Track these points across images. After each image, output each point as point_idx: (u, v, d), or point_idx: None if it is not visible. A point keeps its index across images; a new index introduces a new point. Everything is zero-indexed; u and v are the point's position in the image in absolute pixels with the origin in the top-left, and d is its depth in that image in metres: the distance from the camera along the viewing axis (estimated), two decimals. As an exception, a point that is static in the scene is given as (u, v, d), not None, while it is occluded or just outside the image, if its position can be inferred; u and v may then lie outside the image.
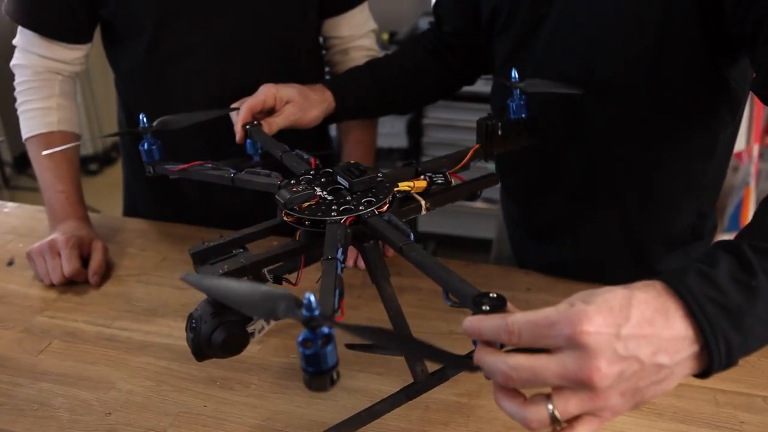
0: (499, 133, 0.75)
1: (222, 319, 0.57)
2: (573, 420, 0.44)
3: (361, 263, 0.92)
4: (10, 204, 1.18)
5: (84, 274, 0.91)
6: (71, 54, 0.99)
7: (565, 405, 0.43)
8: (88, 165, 3.66)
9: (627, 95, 0.80)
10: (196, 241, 1.04)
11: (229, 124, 0.89)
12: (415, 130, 2.58)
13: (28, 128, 0.99)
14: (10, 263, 0.98)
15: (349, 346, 0.44)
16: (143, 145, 0.82)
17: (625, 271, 0.94)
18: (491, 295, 0.47)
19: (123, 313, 0.87)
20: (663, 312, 0.44)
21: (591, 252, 0.95)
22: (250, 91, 1.02)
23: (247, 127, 0.85)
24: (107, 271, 0.95)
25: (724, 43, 0.72)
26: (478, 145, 0.76)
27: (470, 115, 2.47)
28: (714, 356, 0.43)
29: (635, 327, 0.43)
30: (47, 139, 0.98)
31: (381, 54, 1.17)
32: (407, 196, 0.66)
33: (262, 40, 1.01)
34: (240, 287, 0.44)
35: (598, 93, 0.80)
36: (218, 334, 0.57)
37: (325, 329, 0.42)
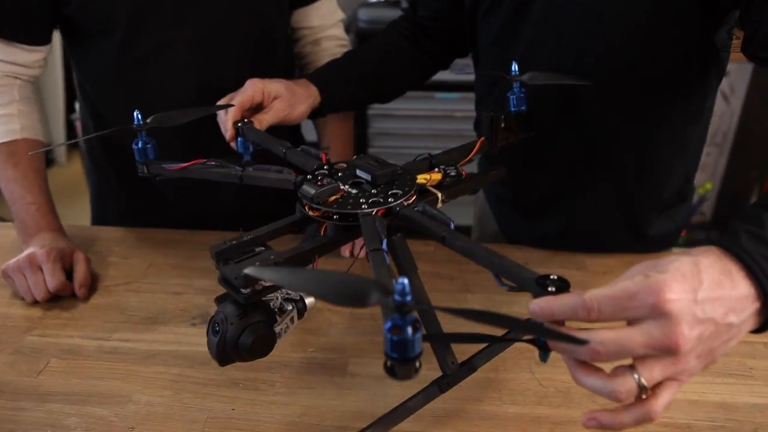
0: (502, 125, 0.76)
1: (249, 320, 0.56)
2: (656, 386, 0.45)
3: (359, 252, 0.91)
4: (-36, 222, 1.09)
5: (69, 288, 0.86)
6: (30, 56, 0.93)
7: (651, 372, 0.44)
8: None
9: (621, 69, 0.82)
10: (180, 245, 1.01)
11: (211, 122, 0.85)
12: (360, 121, 2.57)
13: None
14: (-19, 284, 0.91)
15: (427, 338, 0.43)
16: (137, 144, 0.77)
17: (617, 238, 0.98)
18: (552, 276, 0.47)
19: (120, 324, 0.82)
20: (728, 274, 0.46)
21: (585, 223, 0.97)
22: (229, 85, 0.98)
23: (239, 125, 0.82)
24: (93, 283, 0.89)
25: (713, 5, 0.74)
26: (483, 138, 0.76)
27: (412, 104, 2.49)
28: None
29: (709, 290, 0.44)
30: (10, 148, 0.91)
31: (350, 43, 1.16)
32: (423, 188, 0.66)
33: (238, 33, 0.97)
34: (325, 276, 0.42)
35: (591, 70, 0.82)
36: (246, 336, 0.55)
37: (413, 316, 0.41)
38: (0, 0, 0.86)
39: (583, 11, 0.80)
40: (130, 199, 1.09)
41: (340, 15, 1.13)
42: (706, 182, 2.47)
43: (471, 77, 1.08)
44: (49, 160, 3.32)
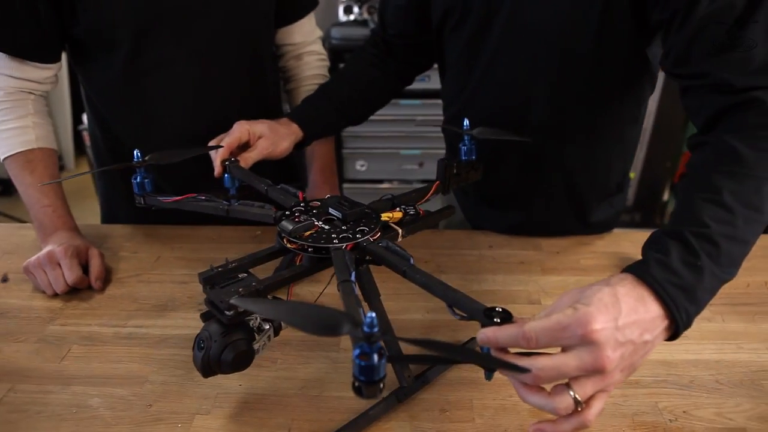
0: (455, 171, 0.77)
1: (231, 338, 0.55)
2: (589, 399, 0.48)
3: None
4: (-15, 224, 1.04)
5: (86, 281, 0.82)
6: (42, 74, 0.88)
7: (584, 389, 0.47)
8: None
9: (571, 79, 0.81)
10: (184, 239, 0.98)
11: (202, 160, 0.82)
12: (335, 128, 2.54)
13: (6, 147, 0.86)
14: (5, 280, 0.86)
15: (391, 360, 0.43)
16: (136, 178, 0.76)
17: (567, 225, 0.98)
18: (497, 309, 0.49)
19: (134, 312, 0.79)
20: (641, 299, 0.50)
21: (540, 214, 0.97)
22: (225, 97, 0.95)
23: (226, 163, 0.80)
24: (107, 276, 0.85)
25: (645, 27, 0.74)
26: (438, 182, 0.77)
27: (380, 110, 2.47)
28: (679, 326, 0.51)
29: (626, 316, 0.48)
30: (27, 156, 0.87)
31: (327, 58, 1.13)
32: (386, 225, 0.67)
33: (233, 49, 0.93)
34: (300, 308, 0.42)
35: (545, 80, 0.82)
36: (228, 352, 0.55)
37: (379, 344, 0.41)
38: (14, 22, 0.81)
39: (539, 29, 0.79)
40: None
41: (318, 32, 1.10)
42: (630, 172, 2.51)
43: (431, 85, 1.09)
44: (59, 167, 3.21)
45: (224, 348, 0.55)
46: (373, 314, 0.40)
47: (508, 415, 0.62)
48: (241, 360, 0.57)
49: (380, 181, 2.65)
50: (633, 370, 0.50)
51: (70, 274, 0.80)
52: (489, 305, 0.50)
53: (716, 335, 0.74)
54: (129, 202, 1.05)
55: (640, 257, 0.56)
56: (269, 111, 1.04)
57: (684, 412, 0.62)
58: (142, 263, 0.90)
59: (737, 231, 0.54)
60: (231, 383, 0.66)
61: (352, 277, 0.55)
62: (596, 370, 0.46)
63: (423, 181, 2.60)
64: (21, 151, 0.86)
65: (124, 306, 0.80)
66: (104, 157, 1.03)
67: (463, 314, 0.52)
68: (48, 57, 0.87)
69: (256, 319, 0.62)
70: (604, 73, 0.80)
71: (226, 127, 0.96)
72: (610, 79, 0.81)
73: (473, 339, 0.47)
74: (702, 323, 0.76)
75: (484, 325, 0.49)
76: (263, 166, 0.83)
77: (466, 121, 0.79)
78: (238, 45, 0.94)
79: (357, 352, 0.42)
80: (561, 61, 0.80)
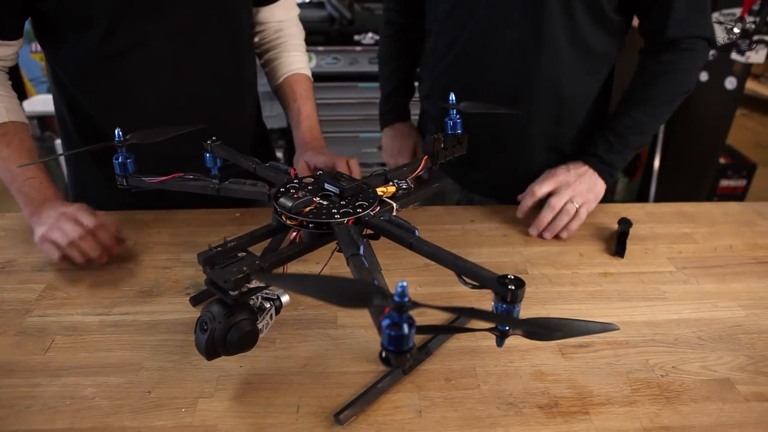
0: (442, 146, 0.78)
1: (235, 318, 0.54)
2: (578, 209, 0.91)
3: None
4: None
5: (112, 227, 0.81)
6: (4, 51, 0.81)
7: (561, 197, 0.91)
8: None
9: (556, 39, 0.91)
10: (161, 224, 0.94)
11: (185, 140, 0.78)
12: (293, 112, 2.49)
13: None
14: (-31, 273, 0.80)
15: (421, 330, 0.44)
16: (117, 158, 0.72)
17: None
18: (510, 276, 0.50)
19: (117, 299, 0.75)
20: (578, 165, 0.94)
21: (521, 161, 1.06)
22: (204, 77, 0.92)
23: (208, 142, 0.76)
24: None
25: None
26: (426, 156, 0.77)
27: (338, 93, 2.45)
28: (608, 182, 0.94)
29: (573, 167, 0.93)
30: (0, 130, 0.80)
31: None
32: (381, 199, 0.67)
33: (212, 27, 0.89)
34: (330, 282, 0.42)
35: (534, 37, 0.92)
36: (233, 333, 0.54)
37: (408, 314, 0.41)
38: None
39: None
40: (111, 183, 1.00)
41: (297, 10, 1.07)
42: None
43: None
44: None
45: (229, 329, 0.54)
46: (405, 283, 0.40)
47: (511, 380, 0.63)
48: (247, 340, 0.56)
49: (341, 165, 2.63)
50: (592, 191, 0.92)
51: (92, 219, 0.77)
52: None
53: (693, 296, 0.78)
54: (102, 186, 1.01)
55: (615, 227, 0.94)
56: (246, 91, 1.02)
57: (673, 367, 0.66)
58: (120, 250, 0.86)
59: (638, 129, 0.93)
60: (231, 365, 0.65)
61: (361, 251, 0.55)
62: (562, 185, 0.92)
63: (383, 165, 2.61)
64: None
65: (106, 294, 0.76)
66: (73, 139, 0.96)
67: (475, 283, 0.53)
68: (8, 34, 0.81)
69: (257, 298, 0.61)
70: (584, 35, 0.92)
71: (204, 107, 0.94)
72: (589, 40, 0.93)
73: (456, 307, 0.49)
74: (679, 285, 0.80)
75: (497, 293, 0.50)
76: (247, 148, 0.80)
77: (452, 96, 0.79)
78: (218, 23, 0.90)
79: (387, 322, 0.41)
80: (547, 20, 0.90)
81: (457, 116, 0.80)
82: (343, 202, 0.63)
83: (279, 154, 2.55)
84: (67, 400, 0.60)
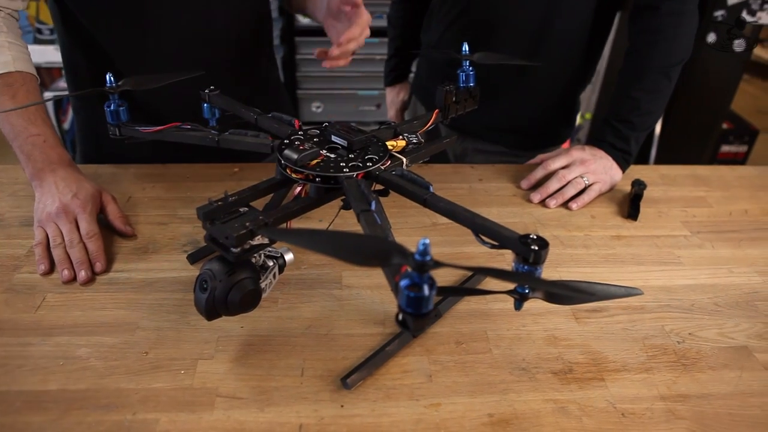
0: (454, 99, 0.73)
1: (237, 277, 0.51)
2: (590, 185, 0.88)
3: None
4: None
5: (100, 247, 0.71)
6: None
7: (572, 171, 0.88)
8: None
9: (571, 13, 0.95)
10: (156, 178, 0.90)
11: (180, 88, 0.73)
12: (289, 65, 2.41)
13: None
14: (-46, 226, 0.76)
15: (441, 291, 0.40)
16: (109, 106, 0.66)
17: (547, 120, 1.13)
18: (532, 236, 0.46)
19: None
20: (593, 147, 0.92)
21: (522, 108, 1.09)
22: (222, 25, 0.87)
23: (206, 92, 0.71)
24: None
25: None
26: (438, 110, 0.73)
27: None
28: (623, 168, 0.91)
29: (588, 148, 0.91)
30: (6, 80, 0.73)
31: None
32: (390, 154, 0.63)
33: None
34: (347, 239, 0.38)
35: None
36: (235, 292, 0.51)
37: (429, 274, 0.38)
38: None
39: None
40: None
41: None
42: (587, 113, 2.54)
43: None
44: None
45: (231, 288, 0.51)
46: (428, 241, 0.36)
47: (523, 344, 0.61)
48: (249, 300, 0.52)
49: (337, 124, 2.57)
50: (607, 172, 0.89)
51: (91, 227, 0.71)
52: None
53: (708, 261, 0.75)
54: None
55: (627, 189, 0.92)
56: (267, 41, 0.97)
57: (689, 334, 0.63)
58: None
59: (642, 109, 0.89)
60: (231, 326, 0.61)
61: (373, 207, 0.51)
62: (576, 160, 0.89)
63: (381, 123, 2.56)
64: None
65: (99, 250, 0.73)
66: (86, 86, 0.90)
67: (494, 243, 0.49)
68: None
69: (260, 256, 0.57)
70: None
71: (226, 55, 0.90)
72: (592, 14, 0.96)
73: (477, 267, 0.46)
74: (694, 250, 0.77)
75: (518, 254, 0.47)
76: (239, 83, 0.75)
77: (465, 46, 0.74)
78: None
79: (406, 282, 0.38)
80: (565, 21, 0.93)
81: (470, 68, 0.75)
82: (351, 156, 0.59)
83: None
84: (60, 360, 0.57)
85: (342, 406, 0.53)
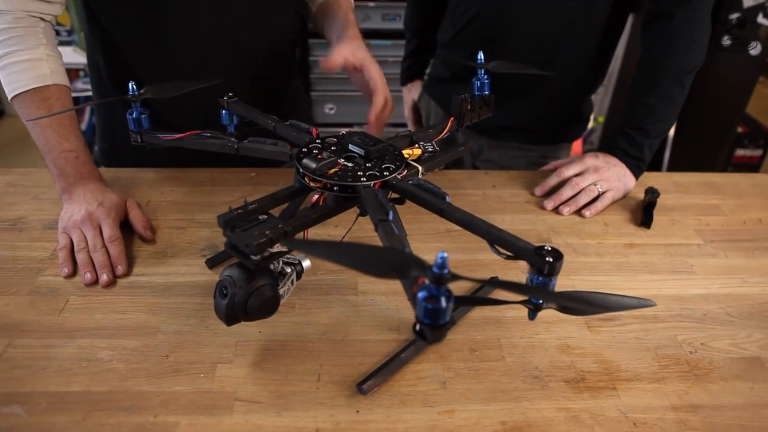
0: (469, 107, 0.74)
1: (256, 283, 0.52)
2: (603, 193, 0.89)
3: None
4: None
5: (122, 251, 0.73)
6: None
7: (585, 179, 0.88)
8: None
9: (586, 21, 0.97)
10: (174, 182, 0.91)
11: (199, 96, 0.73)
12: (302, 67, 2.43)
13: (17, 83, 0.74)
14: (-21, 228, 0.78)
15: (459, 302, 0.41)
16: (131, 114, 0.68)
17: (556, 120, 1.15)
18: (547, 248, 0.47)
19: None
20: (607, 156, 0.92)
21: (535, 109, 1.10)
22: (246, 25, 0.88)
23: (225, 98, 0.73)
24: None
25: None
26: (453, 118, 0.74)
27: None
28: (637, 176, 0.91)
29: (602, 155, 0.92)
30: (42, 94, 0.75)
31: None
32: (406, 162, 0.63)
33: None
34: (366, 251, 0.39)
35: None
36: (254, 299, 0.52)
37: (447, 287, 0.39)
38: None
39: None
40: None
41: None
42: (599, 116, 2.54)
43: (401, 25, 1.26)
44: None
45: (250, 294, 0.52)
46: (446, 254, 0.37)
47: (537, 352, 0.61)
48: (268, 306, 0.54)
49: (350, 125, 2.58)
50: (621, 180, 0.89)
51: (113, 231, 0.73)
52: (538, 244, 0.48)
53: (721, 270, 0.76)
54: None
55: (640, 196, 0.91)
56: (287, 47, 0.98)
57: (702, 344, 0.64)
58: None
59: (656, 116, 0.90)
60: (250, 330, 0.63)
61: (390, 217, 0.52)
62: (590, 168, 0.89)
63: (392, 125, 2.57)
64: (35, 88, 0.75)
65: (120, 254, 0.74)
66: (107, 89, 0.92)
67: (509, 253, 0.50)
68: None
69: (278, 263, 0.59)
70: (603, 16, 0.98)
71: (243, 61, 0.90)
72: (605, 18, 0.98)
73: (492, 278, 0.47)
74: (707, 259, 0.78)
75: (533, 265, 0.47)
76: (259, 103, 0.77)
77: (481, 55, 0.75)
78: None
79: (424, 294, 0.39)
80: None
81: (485, 76, 0.76)
82: (368, 165, 0.60)
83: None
84: (83, 362, 0.58)
85: (357, 411, 0.54)
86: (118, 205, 0.77)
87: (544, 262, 0.46)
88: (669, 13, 0.87)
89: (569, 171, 0.89)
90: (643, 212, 0.85)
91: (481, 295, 0.68)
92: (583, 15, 0.96)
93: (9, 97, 0.75)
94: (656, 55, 0.89)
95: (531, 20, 0.98)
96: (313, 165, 0.57)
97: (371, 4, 2.31)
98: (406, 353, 0.59)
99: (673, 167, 2.45)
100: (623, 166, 0.90)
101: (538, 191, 0.90)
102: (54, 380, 0.56)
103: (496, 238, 0.51)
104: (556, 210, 0.87)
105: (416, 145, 0.67)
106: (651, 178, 0.97)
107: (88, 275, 0.69)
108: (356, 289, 0.70)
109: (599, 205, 0.86)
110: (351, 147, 0.62)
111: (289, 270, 0.59)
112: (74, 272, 0.70)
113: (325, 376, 0.58)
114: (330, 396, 0.56)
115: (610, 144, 0.93)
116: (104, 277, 0.69)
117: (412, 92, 1.35)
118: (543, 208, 0.87)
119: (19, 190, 0.87)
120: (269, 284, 0.53)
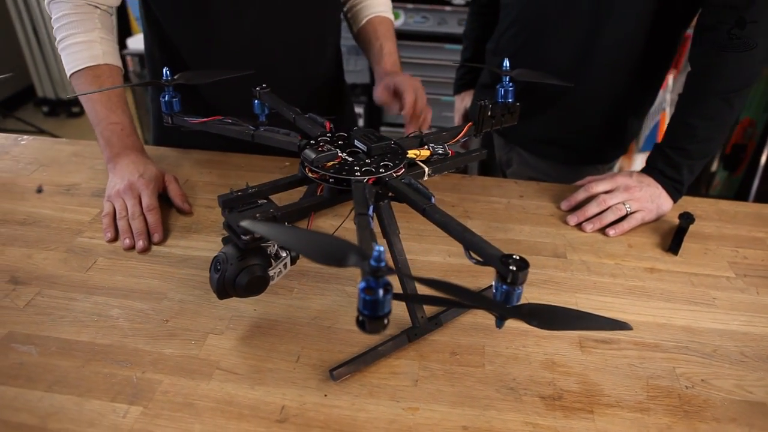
0: (489, 114, 0.73)
1: (247, 262, 0.54)
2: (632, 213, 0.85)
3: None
4: (25, 136, 1.05)
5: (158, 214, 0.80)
6: None
7: (615, 197, 0.85)
8: (70, 107, 3.39)
9: (627, 43, 0.96)
10: (213, 165, 0.97)
11: (230, 83, 0.79)
12: (371, 69, 2.47)
13: (73, 62, 0.83)
14: (39, 191, 0.88)
15: (397, 297, 0.42)
16: (164, 97, 0.74)
17: (591, 142, 1.12)
18: (514, 257, 0.47)
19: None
20: (643, 177, 0.88)
21: (567, 125, 1.08)
22: (291, 20, 0.92)
23: (257, 89, 0.78)
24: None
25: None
26: (471, 123, 0.73)
27: (424, 53, 2.40)
28: (675, 198, 0.87)
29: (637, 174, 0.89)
30: (95, 72, 0.84)
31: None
32: (413, 162, 0.64)
33: None
34: (310, 237, 0.41)
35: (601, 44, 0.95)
36: (243, 276, 0.54)
37: (385, 280, 0.39)
38: None
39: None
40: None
41: None
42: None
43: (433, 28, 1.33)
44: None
45: (239, 272, 0.55)
46: (382, 248, 0.38)
47: (519, 364, 0.61)
48: (255, 285, 0.57)
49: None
50: (654, 201, 0.85)
51: (152, 200, 0.79)
52: (507, 252, 0.48)
53: (747, 307, 0.70)
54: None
55: (676, 221, 0.83)
56: (329, 40, 1.02)
57: (702, 380, 0.60)
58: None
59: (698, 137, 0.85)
60: (246, 307, 0.66)
61: (370, 211, 0.53)
62: (620, 186, 0.86)
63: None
64: (88, 66, 0.83)
65: (151, 225, 0.81)
66: (161, 78, 1.01)
67: (479, 259, 0.50)
68: None
69: (274, 246, 0.62)
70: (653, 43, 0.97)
71: (287, 54, 0.96)
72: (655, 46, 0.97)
73: (491, 287, 0.47)
74: (734, 293, 0.73)
75: (499, 272, 0.47)
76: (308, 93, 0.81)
77: (506, 62, 0.74)
78: None
79: (363, 285, 0.40)
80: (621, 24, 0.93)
81: (510, 84, 0.75)
82: (368, 161, 0.62)
83: (359, 110, 2.56)
84: (94, 316, 0.64)
85: (325, 395, 0.56)
86: (157, 177, 0.83)
87: (508, 270, 0.46)
88: (718, 27, 0.82)
89: (598, 187, 0.86)
90: (673, 237, 0.81)
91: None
92: (618, 24, 0.93)
93: (68, 75, 0.84)
94: (702, 71, 0.84)
95: (565, 27, 0.96)
96: (312, 156, 0.60)
97: (448, 8, 2.31)
98: (384, 347, 0.60)
99: (761, 198, 2.27)
100: (659, 186, 0.85)
101: (564, 205, 0.88)
102: (67, 329, 0.62)
103: (469, 243, 0.51)
104: (579, 226, 0.84)
105: (425, 147, 0.67)
106: (695, 203, 0.91)
107: (127, 241, 0.76)
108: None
109: (626, 225, 0.82)
110: (356, 143, 0.64)
111: (284, 254, 0.62)
112: (116, 237, 0.78)
113: (305, 358, 0.60)
114: (303, 377, 0.58)
115: (647, 163, 0.88)
116: (140, 243, 0.75)
117: (465, 101, 1.35)
118: (566, 223, 0.85)
119: (80, 159, 0.97)
120: (259, 264, 0.56)
